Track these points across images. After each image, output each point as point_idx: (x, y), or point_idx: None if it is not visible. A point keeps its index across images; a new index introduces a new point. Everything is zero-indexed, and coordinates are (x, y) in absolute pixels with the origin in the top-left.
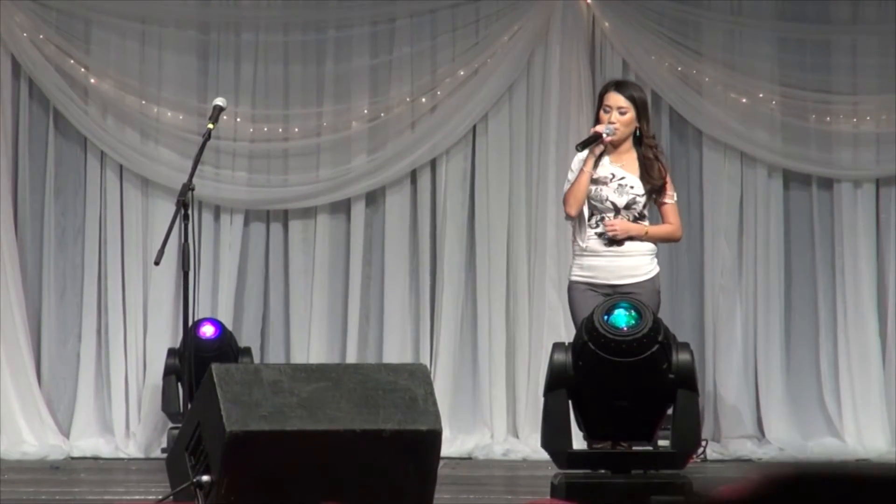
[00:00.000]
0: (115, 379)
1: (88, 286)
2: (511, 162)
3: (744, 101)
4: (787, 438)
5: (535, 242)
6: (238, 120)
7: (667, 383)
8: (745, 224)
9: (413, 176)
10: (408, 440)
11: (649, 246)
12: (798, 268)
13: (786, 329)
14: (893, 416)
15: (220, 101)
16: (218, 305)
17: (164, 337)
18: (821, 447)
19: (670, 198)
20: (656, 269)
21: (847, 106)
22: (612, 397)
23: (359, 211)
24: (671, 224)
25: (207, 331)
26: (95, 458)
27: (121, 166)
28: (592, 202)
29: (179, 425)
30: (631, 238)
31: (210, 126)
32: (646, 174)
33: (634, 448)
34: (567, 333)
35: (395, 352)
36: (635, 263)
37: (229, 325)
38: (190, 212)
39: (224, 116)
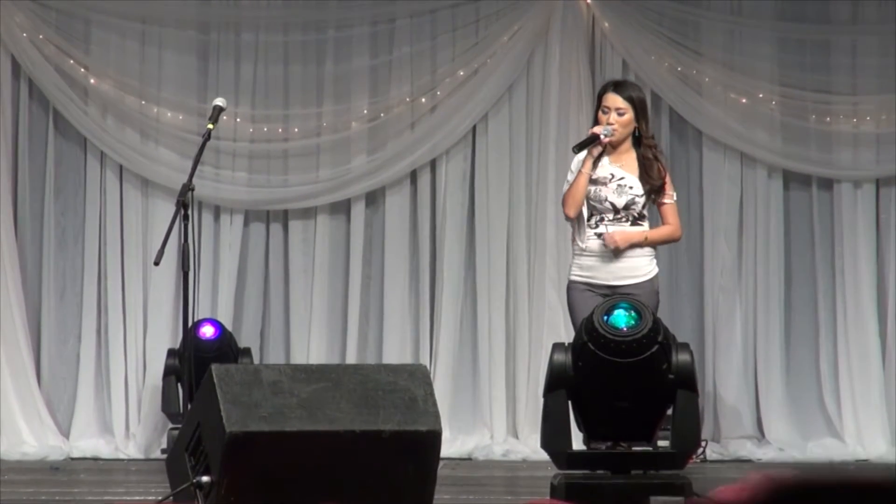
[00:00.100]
0: (115, 379)
1: (88, 286)
2: (511, 162)
3: (744, 101)
4: (787, 439)
5: (535, 242)
6: (238, 120)
7: (666, 384)
8: (745, 224)
9: (413, 176)
10: (407, 441)
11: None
12: (798, 268)
13: (786, 329)
14: (893, 416)
15: (219, 102)
16: (218, 306)
17: (164, 337)
18: (820, 448)
19: (669, 198)
20: (655, 270)
21: (847, 106)
22: (611, 398)
23: (359, 211)
24: (670, 225)
25: (207, 331)
26: (95, 459)
27: (121, 166)
28: (592, 203)
29: (179, 426)
30: (631, 246)
31: (210, 126)
32: (645, 174)
33: (634, 448)
34: (567, 334)
35: (395, 352)
36: (634, 264)
37: (229, 326)
38: (190, 212)
39: (224, 117)
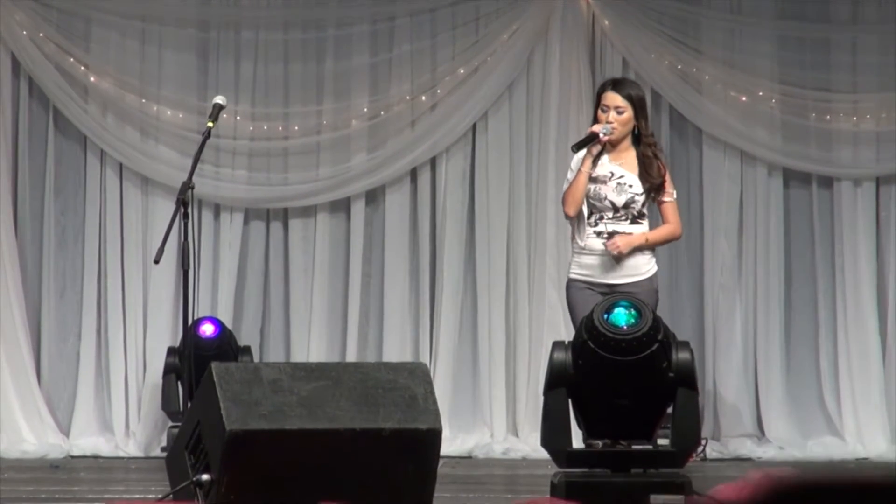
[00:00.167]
0: (115, 378)
1: (88, 285)
2: (511, 160)
3: (744, 99)
4: (787, 437)
5: (535, 241)
6: (238, 118)
7: (666, 382)
8: (745, 223)
9: (413, 174)
10: (407, 439)
11: None
12: (798, 266)
13: (786, 328)
14: (893, 415)
15: (219, 100)
16: (218, 304)
17: (164, 336)
18: (820, 446)
19: (669, 196)
20: (654, 268)
21: (847, 104)
22: (611, 396)
23: (359, 209)
24: (671, 223)
25: (207, 329)
26: (95, 457)
27: (121, 165)
28: (591, 201)
29: (179, 424)
30: (633, 249)
31: (210, 124)
32: (645, 172)
33: (634, 447)
34: (567, 332)
35: (395, 351)
36: (633, 263)
37: (229, 324)
38: (190, 210)
39: (224, 115)
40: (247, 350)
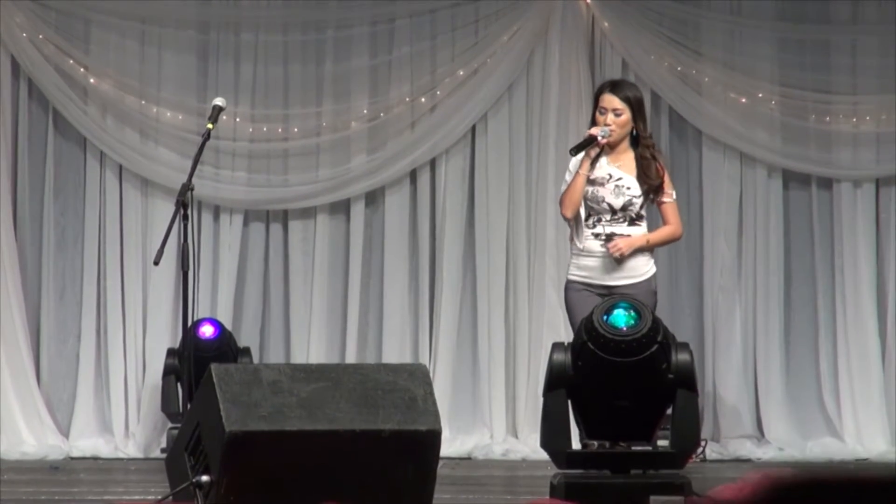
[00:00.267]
0: (115, 379)
1: (88, 286)
2: (511, 162)
3: (743, 100)
4: (787, 438)
5: (535, 242)
6: (237, 120)
7: (666, 383)
8: (745, 224)
9: (413, 176)
10: (407, 440)
11: None
12: (798, 268)
13: (785, 329)
14: (893, 415)
15: (219, 101)
16: (217, 305)
17: (164, 337)
18: (820, 447)
19: (669, 196)
20: (653, 270)
21: (847, 106)
22: (611, 397)
23: (358, 211)
24: (671, 224)
25: (207, 331)
26: (95, 459)
27: (120, 166)
28: (589, 203)
29: (179, 425)
30: (634, 251)
31: (209, 126)
32: (643, 174)
33: (634, 448)
34: (567, 333)
35: (395, 352)
36: (632, 264)
37: (229, 326)
38: (189, 212)
39: (223, 116)
40: (246, 351)
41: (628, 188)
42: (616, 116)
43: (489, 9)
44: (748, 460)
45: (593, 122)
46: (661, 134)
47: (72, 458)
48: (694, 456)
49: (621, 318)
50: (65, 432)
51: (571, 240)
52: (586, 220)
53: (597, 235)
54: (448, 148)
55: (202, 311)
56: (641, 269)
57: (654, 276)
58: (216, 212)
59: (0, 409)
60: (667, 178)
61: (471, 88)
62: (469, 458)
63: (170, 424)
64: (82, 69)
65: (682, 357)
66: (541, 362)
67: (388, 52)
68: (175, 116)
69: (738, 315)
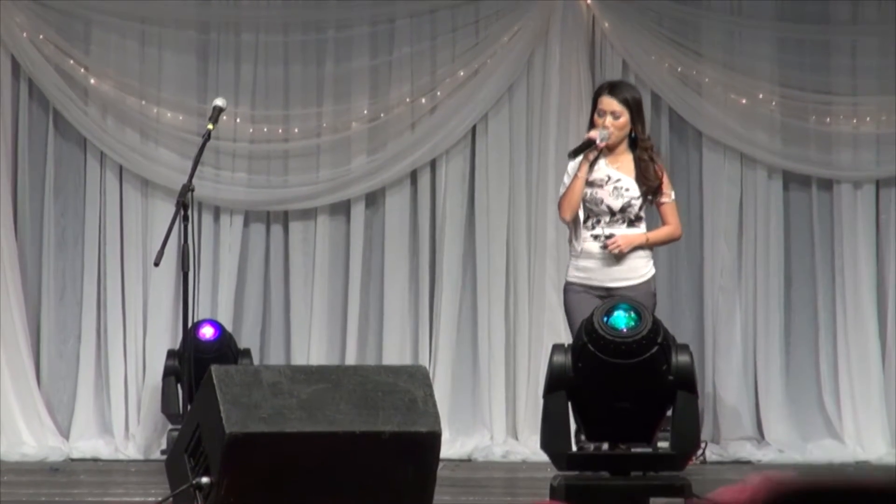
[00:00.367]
0: (115, 380)
1: (88, 287)
2: (511, 162)
3: (743, 101)
4: (787, 440)
5: (535, 243)
6: (238, 120)
7: (666, 385)
8: (745, 225)
9: (413, 177)
10: (407, 442)
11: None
12: (798, 269)
13: (785, 330)
14: (893, 417)
15: (219, 102)
16: (217, 307)
17: (164, 338)
18: (820, 449)
19: (668, 197)
20: (652, 272)
21: (847, 107)
22: (611, 399)
23: (359, 212)
24: (671, 224)
25: (207, 332)
26: (95, 460)
27: (120, 167)
28: (588, 205)
29: (179, 427)
30: (633, 248)
31: (210, 127)
32: (642, 176)
33: (634, 450)
34: (567, 335)
35: (395, 352)
36: (632, 265)
37: (229, 327)
38: (190, 213)
39: (224, 117)
40: (247, 353)
41: (627, 190)
42: (615, 119)
43: (489, 9)
44: (748, 462)
45: (591, 125)
46: (661, 135)
47: (72, 460)
48: (694, 458)
49: (621, 319)
50: (65, 433)
51: (570, 241)
52: (585, 221)
53: (596, 237)
54: (448, 149)
55: (202, 312)
56: (641, 270)
57: (654, 277)
58: (216, 213)
59: (0, 410)
60: (665, 179)
61: (471, 89)
62: (469, 460)
63: (170, 426)
64: (83, 69)
65: (682, 358)
66: (541, 364)
67: (389, 52)
68: (175, 117)
69: (738, 316)
